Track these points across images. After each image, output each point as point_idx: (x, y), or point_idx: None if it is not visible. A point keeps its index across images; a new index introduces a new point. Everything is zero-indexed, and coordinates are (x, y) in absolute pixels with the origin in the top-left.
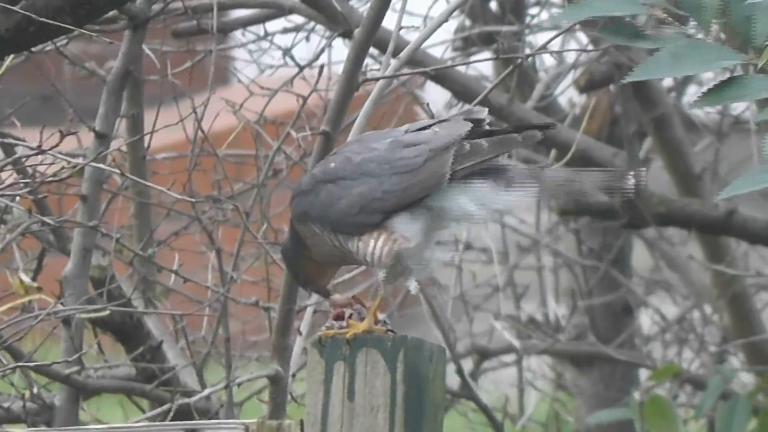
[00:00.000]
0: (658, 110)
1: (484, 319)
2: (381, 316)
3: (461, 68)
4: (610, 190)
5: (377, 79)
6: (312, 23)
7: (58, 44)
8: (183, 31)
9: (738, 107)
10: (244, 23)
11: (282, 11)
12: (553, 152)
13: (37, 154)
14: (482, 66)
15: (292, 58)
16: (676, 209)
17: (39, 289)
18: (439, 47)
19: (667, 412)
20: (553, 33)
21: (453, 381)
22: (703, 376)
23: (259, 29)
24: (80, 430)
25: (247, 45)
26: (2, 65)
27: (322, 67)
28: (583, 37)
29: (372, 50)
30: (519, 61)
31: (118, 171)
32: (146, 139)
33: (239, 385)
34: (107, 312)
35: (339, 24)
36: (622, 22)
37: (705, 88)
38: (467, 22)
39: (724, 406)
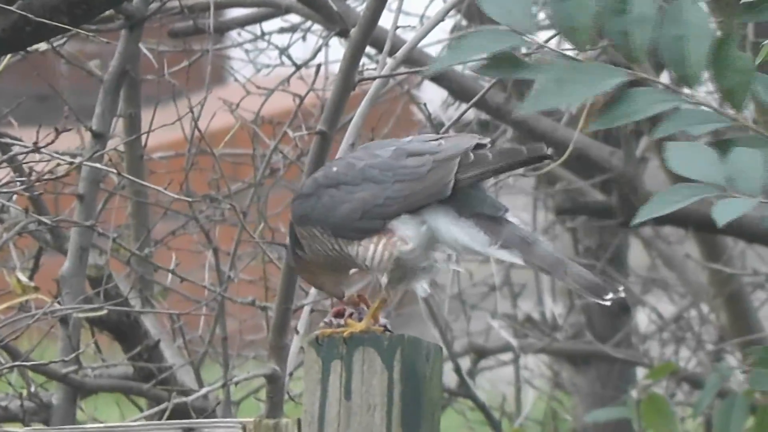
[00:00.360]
0: None
1: (480, 318)
2: (383, 320)
3: (458, 67)
4: (585, 296)
5: (374, 79)
6: (309, 23)
7: (55, 44)
8: (180, 30)
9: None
10: (241, 23)
11: (278, 11)
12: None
13: (33, 152)
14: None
15: (289, 57)
16: None
17: (36, 289)
18: (436, 46)
19: (665, 411)
20: (550, 32)
21: (450, 380)
22: (700, 374)
23: (255, 29)
24: (77, 429)
25: (243, 44)
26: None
27: (318, 66)
28: None
29: (368, 49)
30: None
31: (114, 170)
32: (143, 138)
33: (236, 384)
34: (104, 311)
35: (335, 23)
36: (500, 55)
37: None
38: (463, 22)
39: (721, 404)
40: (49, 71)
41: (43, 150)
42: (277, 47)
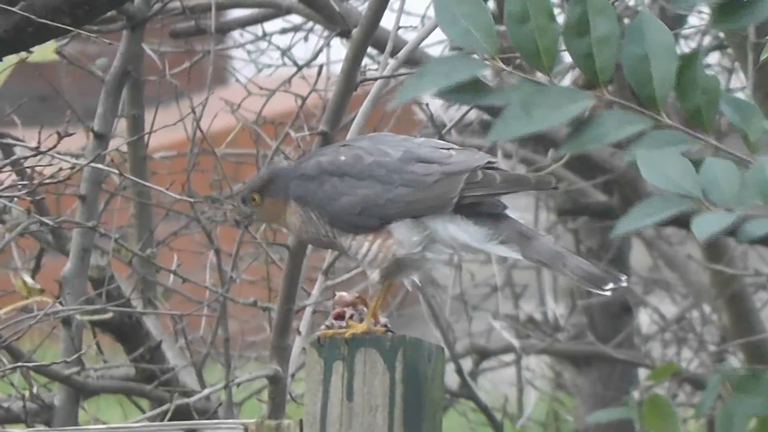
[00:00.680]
0: None
1: (482, 319)
2: (383, 320)
3: None
4: (585, 287)
5: (375, 79)
6: (310, 23)
7: (57, 44)
8: (181, 31)
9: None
10: (243, 23)
11: (280, 11)
12: (551, 151)
13: (35, 155)
14: None
15: (291, 58)
16: None
17: (41, 291)
18: (437, 46)
19: (667, 412)
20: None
21: (452, 380)
22: (702, 375)
23: (257, 29)
24: (79, 430)
25: (245, 45)
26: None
27: (321, 66)
28: None
29: (370, 50)
30: (518, 61)
31: (116, 171)
32: (145, 139)
33: (238, 385)
34: (107, 313)
35: (337, 24)
36: (465, 82)
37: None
38: None
39: (723, 405)
40: (50, 72)
41: (45, 153)
42: (278, 48)
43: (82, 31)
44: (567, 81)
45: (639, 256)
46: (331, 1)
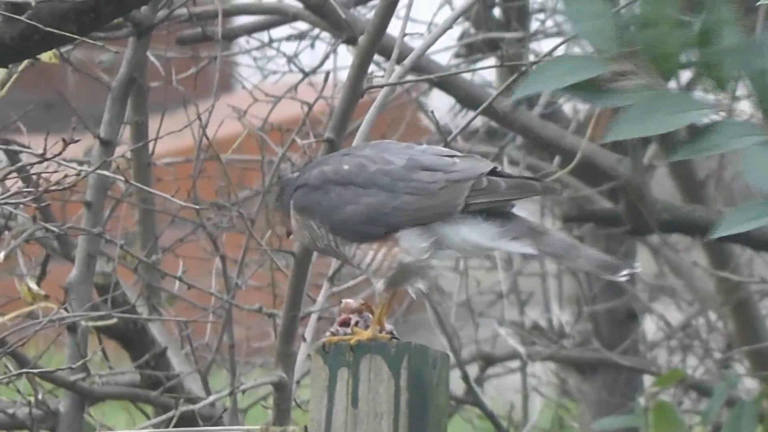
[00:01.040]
0: None
1: (488, 326)
2: (388, 327)
3: (465, 75)
4: (601, 275)
5: (382, 87)
6: (317, 30)
7: (63, 51)
8: (188, 37)
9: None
10: (249, 30)
11: (286, 18)
12: (557, 159)
13: (41, 162)
14: (485, 72)
15: (297, 64)
16: (681, 216)
17: (46, 297)
18: (444, 54)
19: (673, 418)
20: (558, 40)
21: (457, 387)
22: (707, 382)
23: (263, 36)
24: None
25: (251, 51)
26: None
27: (327, 73)
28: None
29: (376, 57)
30: (524, 69)
31: (122, 178)
32: (150, 145)
33: (244, 391)
34: (112, 319)
35: (343, 31)
36: (584, 83)
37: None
38: (471, 29)
39: (731, 412)
40: (56, 78)
41: (50, 159)
42: (285, 54)
43: (87, 40)
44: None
45: (645, 263)
46: (338, 8)
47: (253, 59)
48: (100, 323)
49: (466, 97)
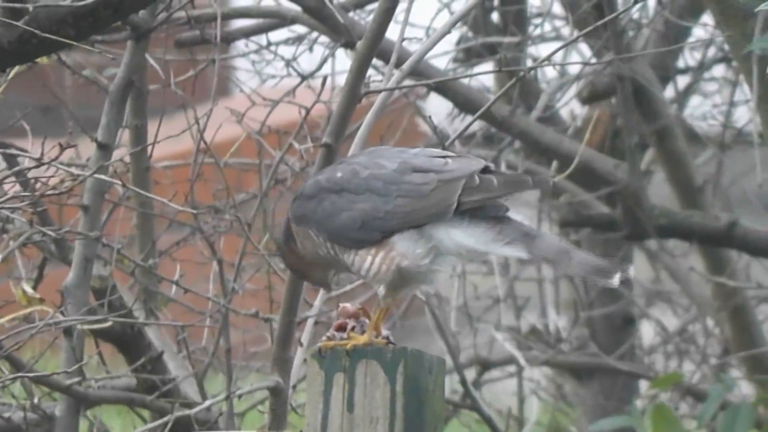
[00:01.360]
0: (659, 122)
1: (484, 331)
2: (385, 332)
3: (463, 79)
4: (594, 280)
5: (380, 91)
6: (315, 34)
7: (60, 54)
8: (186, 40)
9: (741, 119)
10: (247, 33)
11: (285, 21)
12: (554, 164)
13: (38, 167)
14: (483, 77)
15: (295, 68)
16: (678, 221)
17: (41, 301)
18: (442, 58)
19: (672, 420)
20: (556, 45)
21: (454, 391)
22: (704, 387)
23: (261, 39)
24: None
25: (249, 55)
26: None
27: (325, 77)
28: (585, 49)
29: (375, 61)
30: (521, 74)
31: (120, 182)
32: (148, 149)
33: (240, 396)
34: (109, 323)
35: (342, 34)
36: None
37: None
38: (469, 34)
39: (726, 414)
40: (54, 82)
41: (48, 163)
42: (283, 58)
43: (86, 46)
44: (571, 93)
45: (642, 268)
46: (336, 12)
47: (251, 63)
48: (96, 327)
49: (464, 102)
